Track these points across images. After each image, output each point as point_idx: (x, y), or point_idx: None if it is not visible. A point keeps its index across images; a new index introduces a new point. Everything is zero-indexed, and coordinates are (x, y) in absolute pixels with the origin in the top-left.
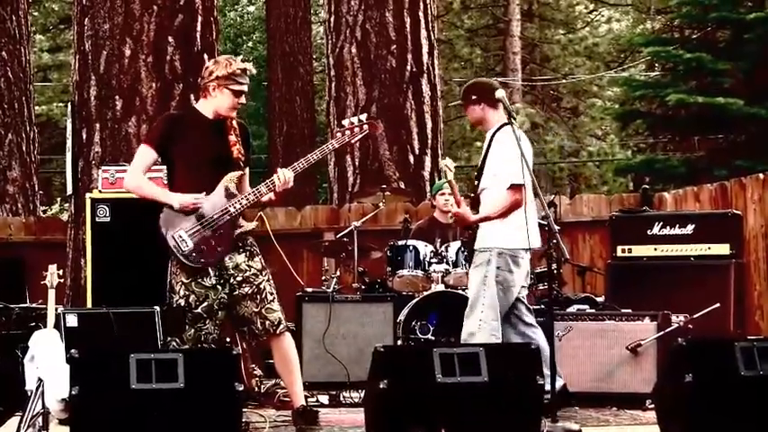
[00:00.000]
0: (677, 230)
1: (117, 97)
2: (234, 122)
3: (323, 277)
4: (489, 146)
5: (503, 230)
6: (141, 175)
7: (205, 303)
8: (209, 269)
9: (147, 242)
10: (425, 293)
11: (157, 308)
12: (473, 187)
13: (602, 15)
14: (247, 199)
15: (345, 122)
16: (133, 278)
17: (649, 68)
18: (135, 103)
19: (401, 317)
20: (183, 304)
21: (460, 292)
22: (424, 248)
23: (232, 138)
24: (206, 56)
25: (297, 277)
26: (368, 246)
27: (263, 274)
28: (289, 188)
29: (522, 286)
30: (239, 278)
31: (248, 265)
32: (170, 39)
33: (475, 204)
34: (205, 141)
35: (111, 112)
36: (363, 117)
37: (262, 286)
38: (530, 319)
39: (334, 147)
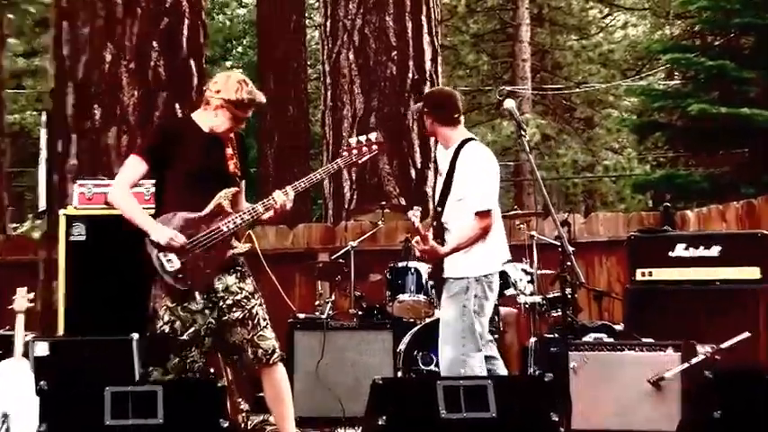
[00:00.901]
0: (702, 252)
1: (96, 106)
2: (231, 134)
3: (316, 302)
4: (452, 166)
5: (477, 256)
6: (128, 191)
7: (192, 329)
8: (196, 292)
9: (126, 264)
10: (428, 320)
11: (136, 335)
12: (435, 214)
13: (618, 20)
14: (242, 218)
15: (353, 141)
16: (110, 303)
17: (669, 77)
18: (115, 113)
19: (402, 346)
20: (167, 330)
21: None
22: (427, 271)
23: (229, 150)
24: (192, 62)
25: (288, 302)
26: (366, 268)
27: (256, 297)
28: (287, 208)
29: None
30: (229, 302)
31: (239, 288)
32: (154, 43)
33: (439, 233)
34: (200, 154)
35: (90, 122)
36: (373, 136)
37: (254, 311)
38: (490, 350)
39: (340, 166)
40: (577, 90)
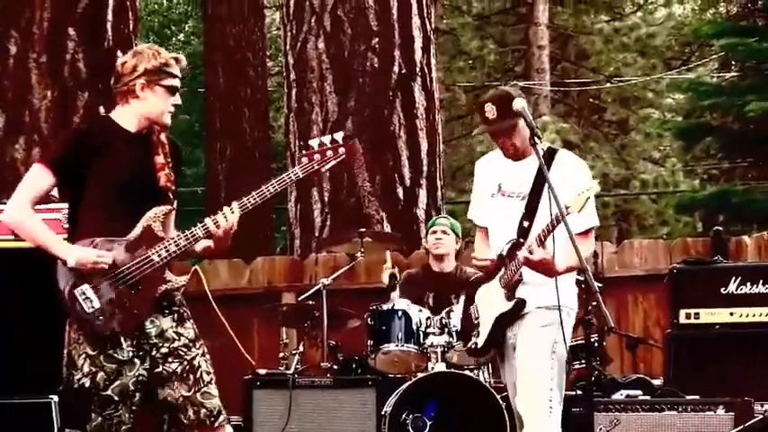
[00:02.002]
0: (761, 288)
1: None
2: (162, 137)
3: (281, 354)
4: (549, 166)
5: (570, 284)
6: (28, 208)
7: (117, 383)
8: (122, 338)
9: (40, 305)
10: (420, 375)
11: (55, 398)
12: (522, 231)
13: None
14: (176, 244)
15: (314, 143)
16: (21, 355)
17: (723, 68)
18: (23, 119)
19: (387, 407)
20: (87, 384)
21: (467, 372)
22: (418, 314)
23: (159, 159)
24: (120, 54)
25: (245, 354)
26: (341, 311)
27: (197, 345)
28: (232, 232)
29: None
30: (164, 350)
31: (177, 333)
32: (71, 31)
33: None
34: (123, 163)
35: None
36: (339, 136)
37: (195, 362)
38: None
39: (298, 176)
40: (608, 85)
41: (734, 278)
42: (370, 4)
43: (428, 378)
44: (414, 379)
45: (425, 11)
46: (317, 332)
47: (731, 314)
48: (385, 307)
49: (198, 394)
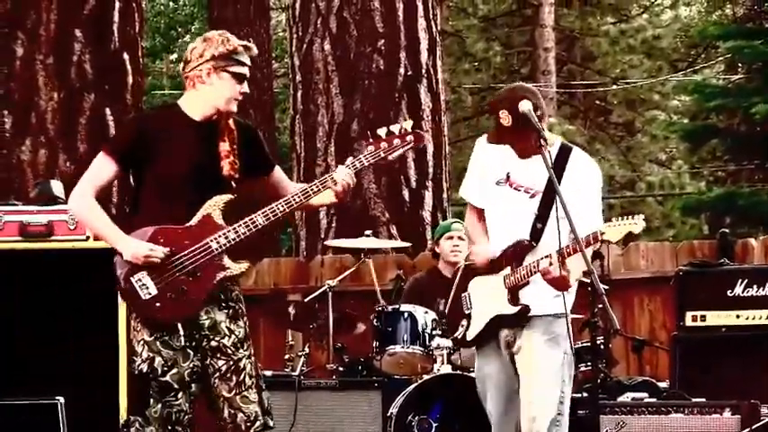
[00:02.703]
0: None
1: (6, 113)
2: (231, 123)
3: (286, 356)
4: (563, 166)
5: (574, 289)
6: (91, 197)
7: (174, 370)
8: (179, 325)
9: (46, 309)
10: (426, 377)
11: (61, 399)
12: (535, 232)
13: None
14: (237, 232)
15: (381, 131)
16: (29, 356)
17: (730, 70)
18: (30, 120)
19: (393, 409)
20: (145, 370)
21: (473, 374)
22: (424, 316)
23: (224, 146)
24: (126, 55)
25: None
26: (347, 313)
27: (245, 347)
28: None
29: None
30: (213, 344)
31: (229, 329)
32: (77, 33)
33: (520, 257)
34: (185, 151)
35: None
36: (408, 125)
37: (241, 364)
38: None
39: (363, 164)
40: (614, 87)
41: (740, 280)
42: (375, 6)
43: (434, 380)
44: (419, 381)
45: (431, 13)
46: (323, 334)
47: (737, 316)
48: (391, 309)
49: (238, 397)
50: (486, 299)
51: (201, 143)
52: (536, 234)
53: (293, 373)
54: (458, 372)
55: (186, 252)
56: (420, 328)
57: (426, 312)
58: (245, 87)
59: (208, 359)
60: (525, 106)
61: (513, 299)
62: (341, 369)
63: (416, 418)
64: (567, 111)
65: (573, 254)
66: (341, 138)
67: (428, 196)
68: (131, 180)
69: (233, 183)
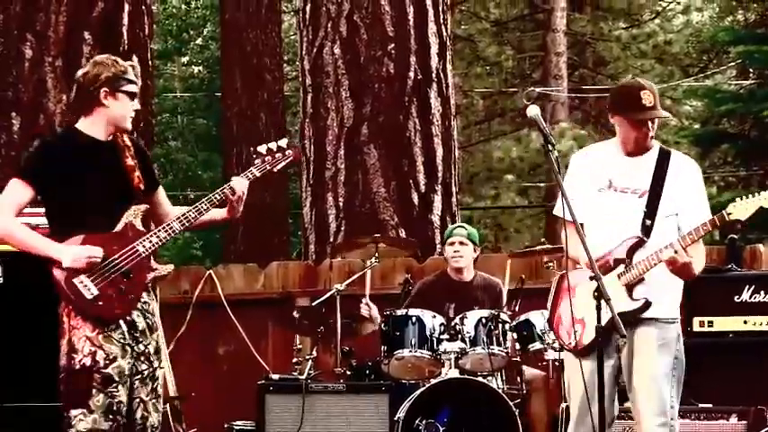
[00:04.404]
0: None
1: (14, 114)
2: (127, 140)
3: (294, 359)
4: (660, 176)
5: (679, 293)
6: (12, 218)
7: (115, 364)
8: (121, 322)
9: (53, 310)
10: (433, 381)
11: None
12: (645, 229)
13: (678, 3)
14: (158, 236)
15: (261, 149)
16: (35, 359)
17: (741, 75)
18: (38, 122)
19: (401, 413)
20: (88, 364)
21: (481, 379)
22: (432, 320)
23: (129, 162)
24: (135, 58)
25: (259, 359)
26: (356, 316)
27: (158, 358)
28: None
29: None
30: (142, 347)
31: (147, 339)
32: (86, 35)
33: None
34: (99, 168)
35: (6, 134)
36: (283, 143)
37: (157, 373)
38: None
39: (255, 176)
40: None
41: (747, 286)
42: (386, 10)
43: (441, 384)
44: (427, 385)
45: (441, 17)
46: (331, 337)
47: (744, 322)
48: (399, 313)
49: (150, 403)
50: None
51: (110, 160)
52: (646, 231)
53: (301, 377)
54: (465, 376)
55: (117, 255)
56: (428, 333)
57: (434, 316)
58: (137, 104)
59: (134, 360)
60: (533, 111)
61: (632, 294)
62: (348, 373)
63: (424, 422)
64: (579, 115)
65: (692, 243)
66: (350, 141)
67: (437, 200)
68: (46, 200)
69: (141, 194)
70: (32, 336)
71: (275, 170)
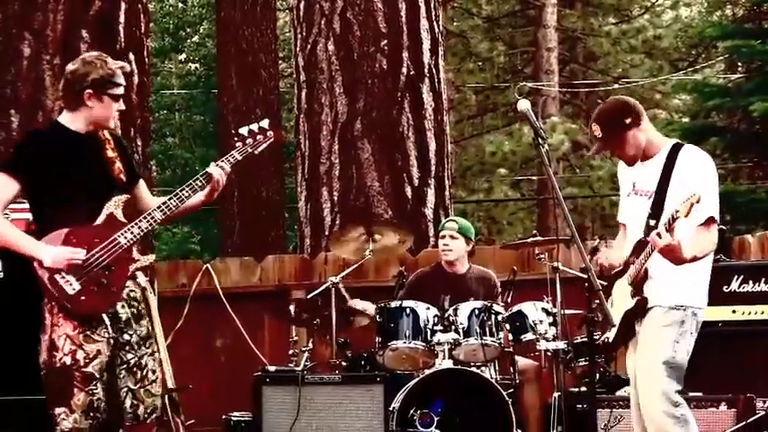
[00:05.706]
0: (763, 287)
1: (13, 111)
2: (107, 134)
3: (290, 351)
4: (668, 172)
5: (699, 283)
6: None
7: (96, 361)
8: (104, 317)
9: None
10: (427, 372)
11: None
12: (648, 230)
13: None
14: (140, 227)
15: (243, 130)
16: (36, 354)
17: (729, 69)
18: (37, 119)
19: (395, 404)
20: (69, 362)
21: (474, 369)
22: (426, 312)
23: (110, 154)
24: (132, 56)
25: (255, 351)
26: (350, 308)
27: (147, 344)
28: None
29: None
30: (126, 337)
31: (134, 327)
32: (84, 33)
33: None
34: (81, 161)
35: (5, 132)
36: (265, 123)
37: (143, 361)
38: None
39: (237, 159)
40: (616, 86)
41: (736, 276)
42: (378, 6)
43: (435, 375)
44: (421, 376)
45: (433, 13)
46: (327, 329)
47: (733, 312)
48: (393, 304)
49: (142, 390)
50: (619, 299)
51: (91, 153)
52: (649, 231)
53: (297, 369)
54: (459, 367)
55: (99, 249)
56: (422, 324)
57: (428, 308)
58: (122, 105)
59: (118, 351)
60: (523, 106)
61: (635, 292)
62: (344, 364)
63: (418, 412)
64: (570, 110)
65: (675, 221)
66: (344, 136)
67: (430, 194)
68: (30, 193)
69: (124, 185)
70: (33, 330)
71: (256, 152)
